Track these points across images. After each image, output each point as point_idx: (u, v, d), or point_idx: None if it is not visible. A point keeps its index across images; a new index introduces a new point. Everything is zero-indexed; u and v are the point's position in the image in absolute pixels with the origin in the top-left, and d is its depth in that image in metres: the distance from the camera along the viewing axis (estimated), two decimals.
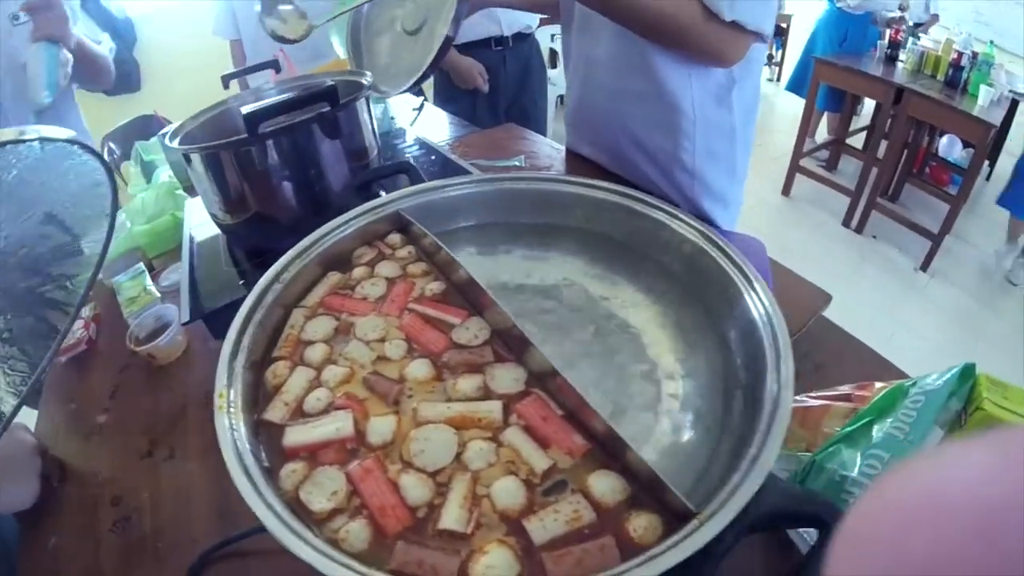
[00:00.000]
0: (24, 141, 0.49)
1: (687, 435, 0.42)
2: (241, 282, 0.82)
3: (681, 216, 0.55)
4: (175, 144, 0.82)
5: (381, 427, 0.40)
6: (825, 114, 3.81)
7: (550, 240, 0.61)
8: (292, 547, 0.32)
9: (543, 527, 0.34)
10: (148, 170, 1.80)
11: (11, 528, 0.82)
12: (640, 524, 0.34)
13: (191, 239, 0.96)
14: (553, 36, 3.65)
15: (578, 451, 0.39)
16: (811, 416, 0.62)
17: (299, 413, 0.42)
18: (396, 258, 0.56)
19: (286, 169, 0.77)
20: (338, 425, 0.40)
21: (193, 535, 0.68)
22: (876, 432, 0.55)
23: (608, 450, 0.39)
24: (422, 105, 1.65)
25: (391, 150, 1.24)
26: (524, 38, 2.18)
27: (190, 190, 1.42)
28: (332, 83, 0.70)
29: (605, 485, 0.36)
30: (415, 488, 0.37)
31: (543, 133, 2.43)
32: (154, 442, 0.82)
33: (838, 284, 1.21)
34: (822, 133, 3.94)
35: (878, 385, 0.62)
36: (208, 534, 0.67)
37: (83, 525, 0.75)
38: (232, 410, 0.41)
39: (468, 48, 2.05)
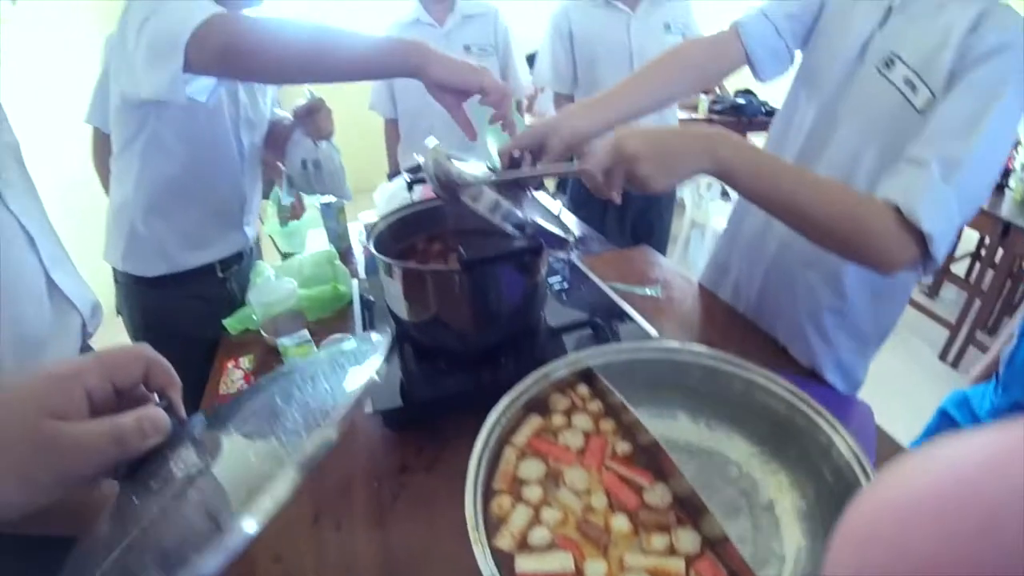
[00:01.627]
0: None
1: None
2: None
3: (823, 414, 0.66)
4: (370, 245, 0.97)
5: (596, 569, 0.53)
6: None
7: (711, 409, 0.73)
8: None
9: None
10: (282, 212, 2.04)
11: None
12: None
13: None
14: None
15: None
16: None
17: (523, 544, 0.55)
18: (588, 411, 0.69)
19: (477, 295, 0.91)
20: (563, 562, 0.53)
21: None
22: None
23: None
24: (579, 237, 1.81)
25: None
26: None
27: (344, 258, 1.60)
28: (540, 242, 0.84)
29: None
30: None
31: (665, 247, 2.55)
32: (320, 510, 0.86)
33: (926, 420, 1.23)
34: None
35: None
36: None
37: (238, 573, 0.78)
38: (477, 534, 0.54)
39: None
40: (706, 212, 3.49)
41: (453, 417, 0.91)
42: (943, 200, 0.77)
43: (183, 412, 0.44)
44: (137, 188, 1.29)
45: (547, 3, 2.46)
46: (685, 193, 3.75)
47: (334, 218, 1.72)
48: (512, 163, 0.94)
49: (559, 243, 0.84)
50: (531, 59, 2.76)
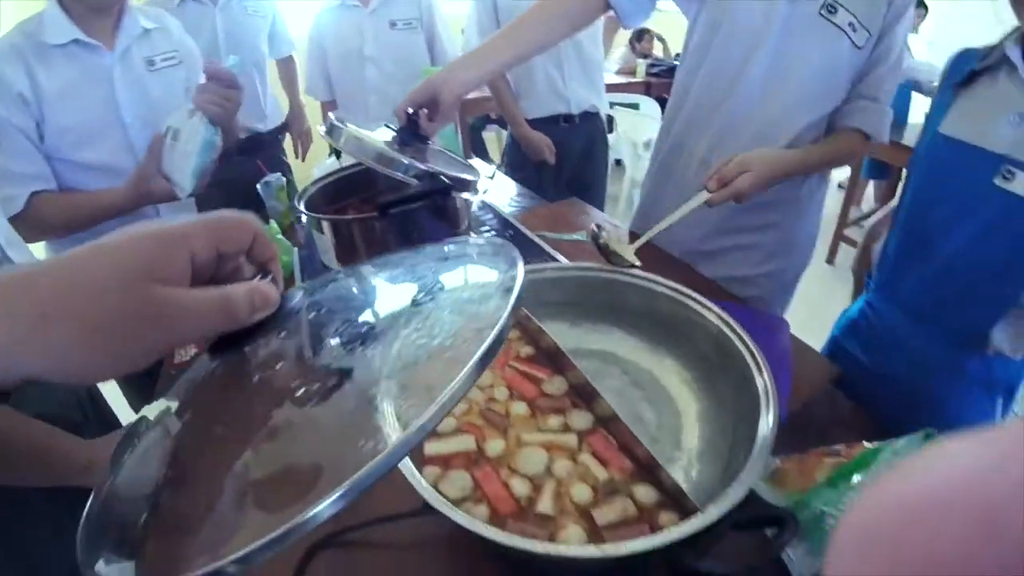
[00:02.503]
0: None
1: (700, 463, 0.61)
2: None
3: (713, 308, 0.75)
4: (301, 207, 1.04)
5: (495, 446, 0.60)
6: (871, 182, 3.92)
7: (612, 317, 0.81)
8: (446, 511, 0.52)
9: (603, 515, 0.54)
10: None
11: None
12: (665, 518, 0.53)
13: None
14: (611, 104, 3.89)
15: (627, 470, 0.58)
16: (806, 467, 0.79)
17: (433, 433, 0.63)
18: None
19: (399, 238, 0.98)
20: (466, 443, 0.60)
21: None
22: (854, 480, 0.72)
23: (647, 470, 0.58)
24: (494, 175, 1.88)
25: (469, 217, 1.46)
26: (590, 116, 2.40)
27: (287, 234, 1.65)
28: (449, 182, 0.92)
29: (644, 492, 0.56)
30: (520, 486, 0.57)
31: (602, 202, 2.64)
32: None
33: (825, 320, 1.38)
34: (869, 201, 4.03)
35: (867, 445, 0.79)
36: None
37: None
38: None
39: (538, 123, 2.28)
40: (644, 171, 3.59)
41: None
42: (889, 117, 1.18)
43: (282, 286, 0.42)
44: None
45: None
46: (623, 153, 3.84)
47: (274, 196, 1.76)
48: (409, 120, 1.01)
49: (465, 184, 0.91)
50: None
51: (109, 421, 1.27)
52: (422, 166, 0.90)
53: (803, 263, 1.40)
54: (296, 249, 1.33)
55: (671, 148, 1.32)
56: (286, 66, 2.68)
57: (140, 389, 1.52)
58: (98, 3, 1.28)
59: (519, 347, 0.73)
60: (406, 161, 0.90)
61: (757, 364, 0.66)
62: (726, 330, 0.72)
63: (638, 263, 0.90)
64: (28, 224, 1.20)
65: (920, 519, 0.16)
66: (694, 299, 0.76)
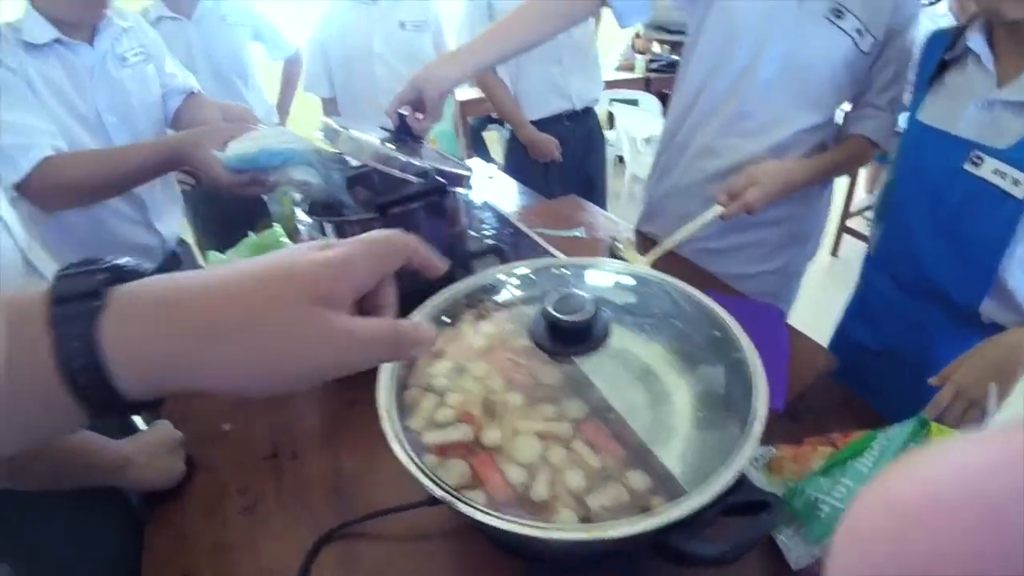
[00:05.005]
0: None
1: (692, 449, 0.62)
2: None
3: (703, 297, 0.76)
4: (303, 211, 1.06)
5: (492, 435, 0.61)
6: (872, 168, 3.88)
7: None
8: (443, 498, 0.53)
9: (596, 500, 0.55)
10: None
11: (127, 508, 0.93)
12: (656, 501, 0.54)
13: None
14: (611, 100, 3.90)
15: (620, 456, 0.59)
16: (802, 455, 0.80)
17: (432, 424, 0.64)
18: (494, 320, 0.78)
19: None
20: (464, 432, 0.61)
21: (315, 519, 0.81)
22: (848, 467, 0.73)
23: (639, 456, 0.59)
24: (493, 175, 1.90)
25: (469, 217, 1.47)
26: (588, 111, 2.41)
27: (292, 238, 1.67)
28: (443, 181, 0.93)
29: (636, 478, 0.57)
30: (516, 473, 0.58)
31: (604, 198, 2.65)
32: (277, 447, 0.95)
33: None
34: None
35: (860, 433, 0.80)
36: (326, 520, 0.79)
37: (210, 508, 0.86)
38: (390, 420, 0.62)
39: (540, 124, 2.29)
40: (645, 167, 3.60)
41: None
42: (895, 125, 1.21)
43: None
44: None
45: None
46: (624, 149, 3.85)
47: (278, 202, 1.78)
48: (401, 122, 1.03)
49: (459, 180, 0.93)
50: None
51: (128, 423, 1.29)
52: (418, 162, 0.92)
53: (810, 255, 1.42)
54: None
55: (676, 147, 1.33)
56: (289, 68, 2.69)
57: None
58: (79, 21, 1.31)
59: (514, 339, 0.74)
60: (403, 159, 0.92)
61: (748, 349, 0.67)
62: (717, 317, 0.73)
63: None
64: (44, 184, 1.15)
65: (922, 519, 0.16)
66: (684, 288, 0.77)
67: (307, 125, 2.82)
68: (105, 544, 0.94)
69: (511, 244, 1.26)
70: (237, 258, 1.48)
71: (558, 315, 0.63)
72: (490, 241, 1.24)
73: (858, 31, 1.11)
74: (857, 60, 1.14)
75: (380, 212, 0.89)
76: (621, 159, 4.11)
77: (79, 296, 0.32)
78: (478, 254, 0.94)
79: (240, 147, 1.13)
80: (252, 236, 1.51)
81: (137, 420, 1.34)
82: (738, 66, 1.16)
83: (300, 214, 1.06)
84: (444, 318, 0.77)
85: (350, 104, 2.48)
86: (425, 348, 0.40)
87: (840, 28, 1.11)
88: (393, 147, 0.98)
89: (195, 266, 1.79)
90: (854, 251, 3.50)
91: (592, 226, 1.47)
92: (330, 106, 2.55)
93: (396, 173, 0.91)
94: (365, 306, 0.40)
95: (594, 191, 2.45)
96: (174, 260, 1.66)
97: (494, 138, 4.57)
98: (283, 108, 2.72)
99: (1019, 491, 0.15)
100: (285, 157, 1.05)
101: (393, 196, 0.89)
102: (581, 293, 0.65)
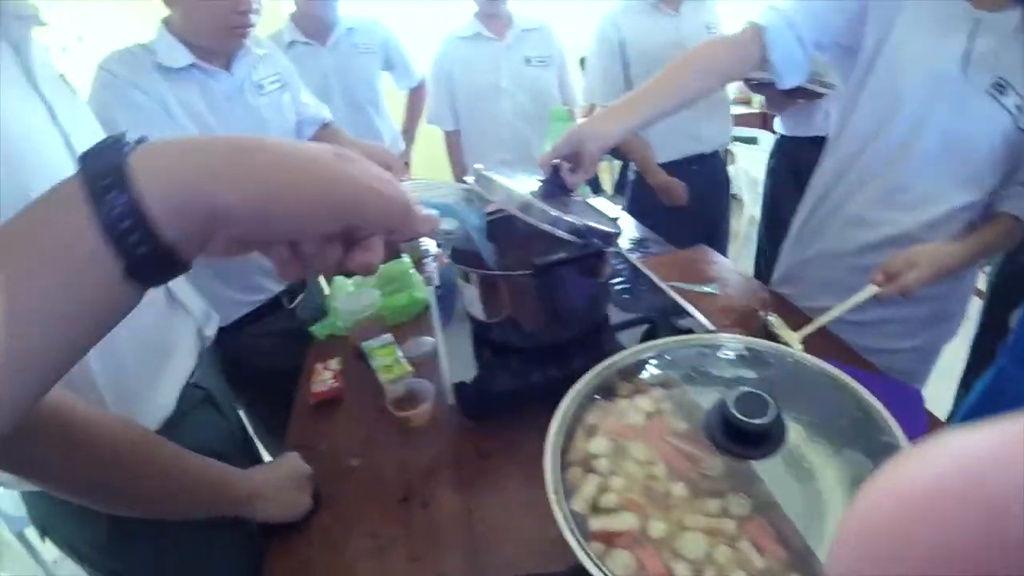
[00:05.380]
0: None
1: None
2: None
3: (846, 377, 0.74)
4: (450, 257, 1.10)
5: (658, 527, 0.62)
6: None
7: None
8: None
9: None
10: None
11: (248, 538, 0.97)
12: None
13: None
14: (732, 138, 3.81)
15: (781, 558, 0.59)
16: None
17: (595, 507, 0.65)
18: (649, 395, 0.79)
19: (546, 291, 1.01)
20: (630, 521, 0.62)
21: (443, 571, 0.84)
22: None
23: (801, 558, 0.58)
24: (618, 217, 1.89)
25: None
26: (715, 152, 2.36)
27: (417, 267, 1.73)
28: (599, 243, 0.94)
29: None
30: (682, 570, 0.58)
31: (726, 244, 2.59)
32: (409, 492, 0.97)
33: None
34: None
35: None
36: (457, 573, 0.82)
37: (335, 546, 0.89)
38: (559, 503, 0.64)
39: (668, 166, 2.26)
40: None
41: (525, 408, 1.00)
42: None
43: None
44: None
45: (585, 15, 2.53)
46: (742, 189, 3.75)
47: None
48: (553, 173, 1.04)
49: (608, 239, 0.94)
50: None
51: (254, 454, 1.36)
52: (569, 218, 0.93)
53: (950, 335, 1.35)
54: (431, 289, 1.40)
55: (824, 212, 1.30)
56: (414, 96, 2.78)
57: (272, 428, 1.60)
58: (219, 49, 1.35)
59: (673, 422, 0.74)
60: (554, 213, 0.93)
61: (897, 437, 0.65)
62: (879, 416, 0.71)
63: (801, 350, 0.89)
64: None
65: (923, 513, 0.16)
66: (846, 381, 0.75)
67: (427, 154, 2.93)
68: (226, 569, 1.00)
69: (644, 297, 1.26)
70: (365, 286, 1.56)
71: (742, 417, 0.62)
72: (626, 296, 1.24)
73: (1018, 108, 1.08)
74: (1015, 138, 1.10)
75: (538, 274, 0.92)
76: (734, 197, 4.01)
77: (108, 147, 0.36)
78: (628, 324, 0.95)
79: None
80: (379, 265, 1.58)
81: (261, 450, 1.41)
82: (899, 136, 1.12)
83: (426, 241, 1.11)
84: (595, 395, 0.78)
85: (474, 137, 2.55)
86: (430, 233, 0.46)
87: (1001, 104, 1.07)
88: (541, 198, 1.00)
89: (319, 290, 1.88)
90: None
91: (724, 282, 1.45)
92: (453, 138, 2.62)
93: (546, 227, 0.93)
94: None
95: (717, 235, 2.40)
96: (300, 282, 1.74)
97: (605, 167, 4.58)
98: (408, 135, 2.82)
99: (1021, 485, 0.15)
100: (440, 212, 1.10)
101: (551, 259, 0.92)
102: (763, 395, 0.64)
